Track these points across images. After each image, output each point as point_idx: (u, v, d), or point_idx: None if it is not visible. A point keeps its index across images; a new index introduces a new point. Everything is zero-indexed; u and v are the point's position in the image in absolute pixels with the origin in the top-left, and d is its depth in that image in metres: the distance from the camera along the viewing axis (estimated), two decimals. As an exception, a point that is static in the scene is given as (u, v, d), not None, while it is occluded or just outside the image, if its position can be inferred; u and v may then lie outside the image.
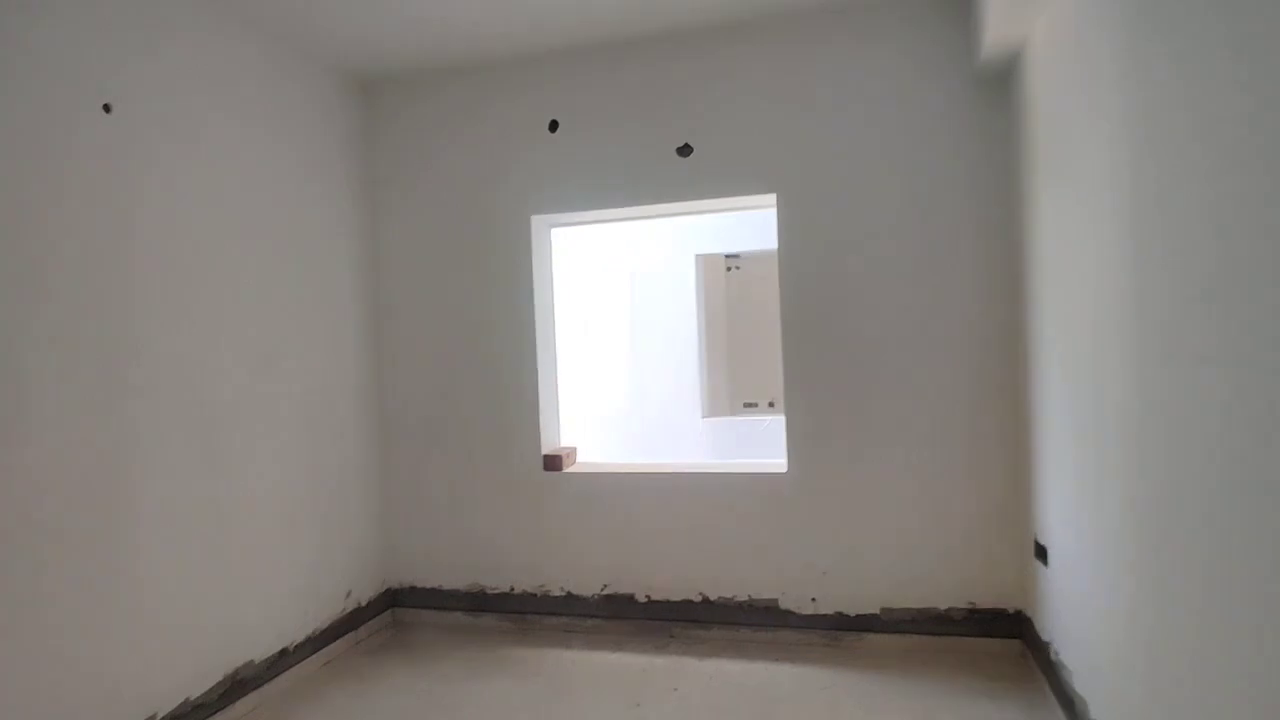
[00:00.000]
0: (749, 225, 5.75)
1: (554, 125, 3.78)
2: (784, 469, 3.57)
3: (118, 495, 2.61)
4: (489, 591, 3.93)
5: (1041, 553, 2.92)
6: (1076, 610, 2.52)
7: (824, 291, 3.49)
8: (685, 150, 3.61)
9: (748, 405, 7.22)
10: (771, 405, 6.95)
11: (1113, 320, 2.05)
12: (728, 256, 7.07)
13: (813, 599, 3.53)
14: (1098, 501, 2.25)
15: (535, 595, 3.87)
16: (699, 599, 3.67)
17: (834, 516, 3.50)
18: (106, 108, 2.60)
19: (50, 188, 2.42)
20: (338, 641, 3.64)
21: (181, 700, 2.81)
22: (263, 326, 3.29)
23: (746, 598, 3.61)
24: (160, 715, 2.72)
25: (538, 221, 3.89)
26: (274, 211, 3.37)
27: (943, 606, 3.37)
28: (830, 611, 3.51)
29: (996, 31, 2.81)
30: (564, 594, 3.84)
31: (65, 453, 2.44)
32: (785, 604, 3.56)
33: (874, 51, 3.38)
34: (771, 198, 3.56)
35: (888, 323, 3.41)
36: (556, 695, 3.17)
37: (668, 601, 3.71)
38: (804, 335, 3.51)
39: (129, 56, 2.70)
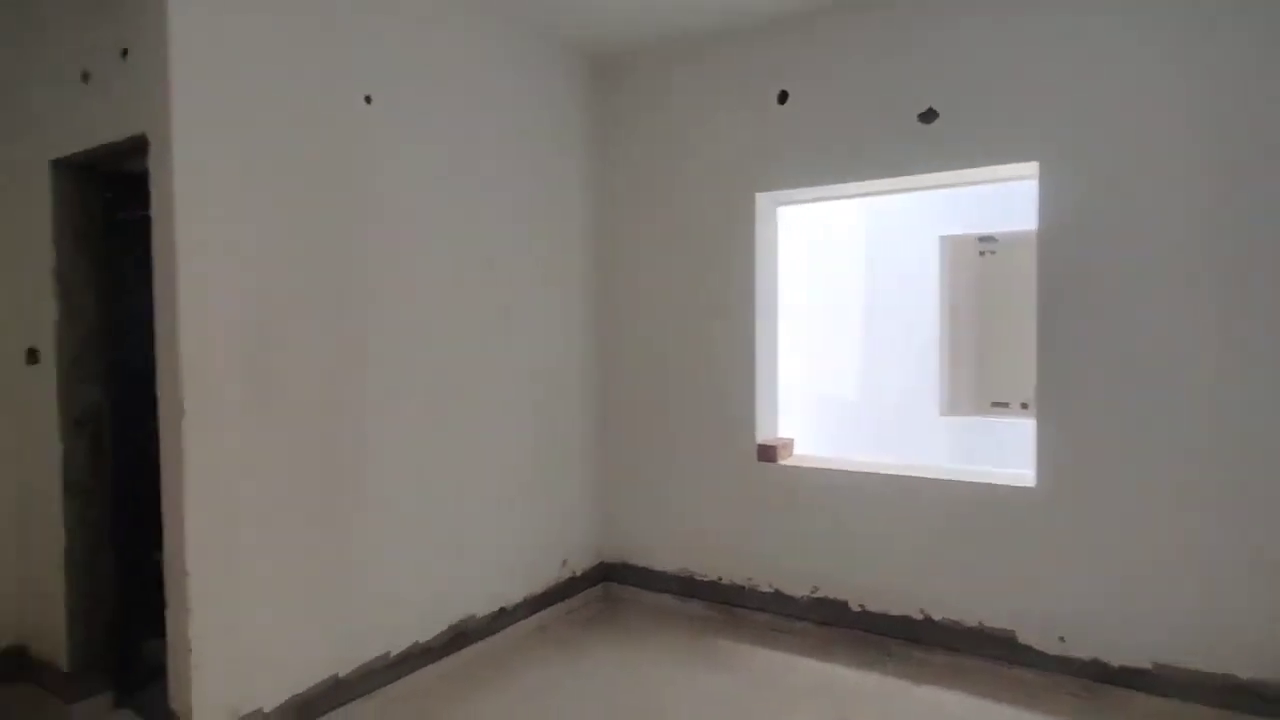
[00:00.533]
0: (1005, 203, 5.06)
1: (783, 96, 3.56)
2: (1032, 483, 3.08)
3: (363, 457, 2.90)
4: (697, 578, 3.87)
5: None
6: None
7: (1093, 278, 2.93)
8: (929, 116, 3.21)
9: (996, 405, 6.46)
10: (1025, 407, 6.15)
11: None
12: (981, 239, 6.33)
13: (1060, 638, 3.01)
14: None
15: (743, 588, 3.75)
16: (920, 616, 3.31)
17: (1093, 544, 2.95)
18: (367, 99, 2.86)
19: (316, 169, 2.72)
20: (552, 608, 3.80)
21: (412, 643, 3.08)
22: (497, 299, 3.48)
23: (977, 623, 3.18)
24: (393, 654, 3.00)
25: (763, 199, 3.70)
26: (509, 188, 3.54)
27: (1244, 676, 2.70)
28: (1084, 656, 2.97)
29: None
30: (772, 591, 3.66)
31: (319, 414, 2.74)
32: (1024, 638, 3.09)
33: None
34: (1031, 167, 3.05)
35: (1175, 318, 2.78)
36: (760, 697, 3.03)
37: (884, 615, 3.39)
38: (1065, 328, 2.98)
39: (387, 52, 2.95)
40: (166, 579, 2.42)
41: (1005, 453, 5.41)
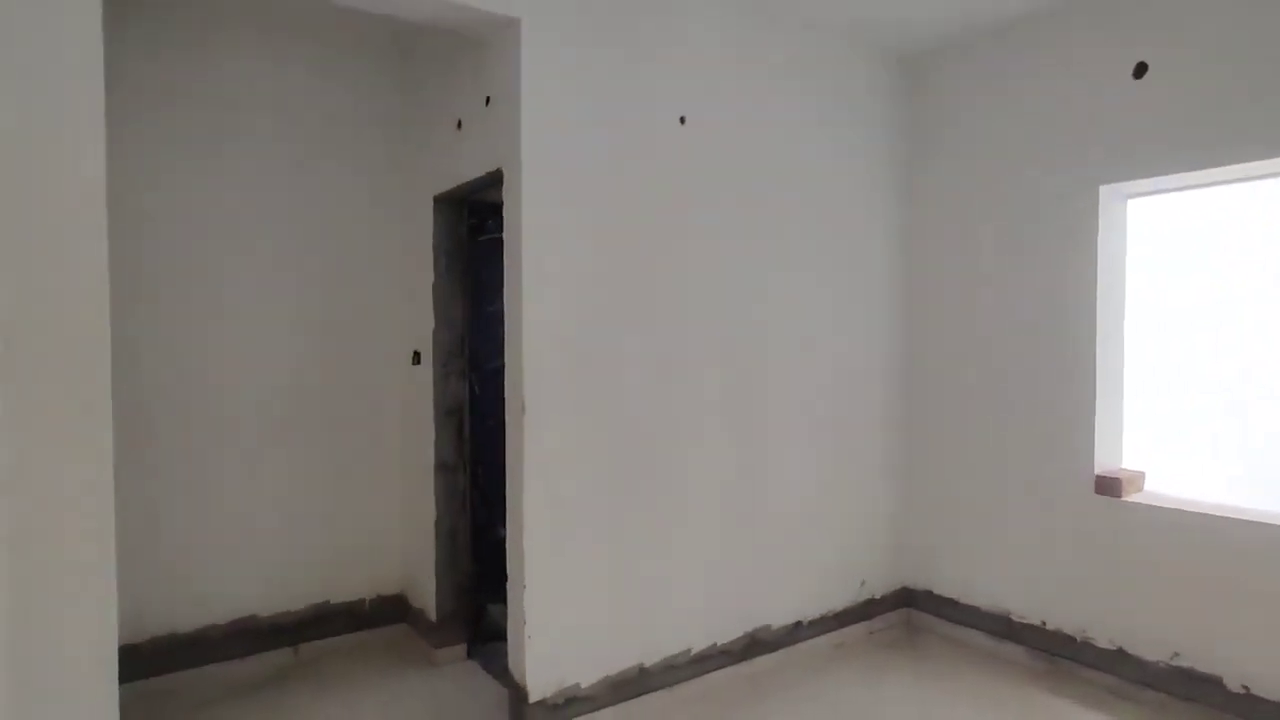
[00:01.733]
0: None
1: (1140, 69, 3.04)
2: None
3: (673, 460, 3.06)
4: (1015, 620, 3.46)
5: None
6: None
7: None
8: (1362, 73, 2.51)
9: None
10: None
11: None
12: None
13: None
14: None
15: (1074, 639, 3.26)
16: (1337, 713, 2.59)
17: None
18: (681, 119, 3.02)
19: (633, 191, 2.93)
20: (849, 628, 3.66)
21: (710, 643, 3.18)
22: (804, 311, 3.47)
23: None
24: (693, 651, 3.12)
25: (1107, 192, 3.20)
26: (816, 195, 3.50)
27: None
28: None
29: None
30: (1114, 648, 3.14)
31: (635, 422, 2.95)
32: None
33: None
34: None
35: None
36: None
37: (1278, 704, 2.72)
38: None
39: (697, 72, 3.09)
40: (509, 557, 2.79)
41: None
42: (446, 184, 3.36)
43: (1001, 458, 3.52)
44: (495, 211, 3.26)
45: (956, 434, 3.71)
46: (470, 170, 3.15)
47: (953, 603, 3.70)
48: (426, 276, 3.52)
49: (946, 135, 3.72)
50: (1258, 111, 2.74)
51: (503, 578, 2.90)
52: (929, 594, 3.82)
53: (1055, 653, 3.32)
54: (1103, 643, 3.17)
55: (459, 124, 3.24)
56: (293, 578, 3.46)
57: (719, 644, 3.21)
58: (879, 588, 3.81)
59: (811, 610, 3.53)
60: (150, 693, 3.06)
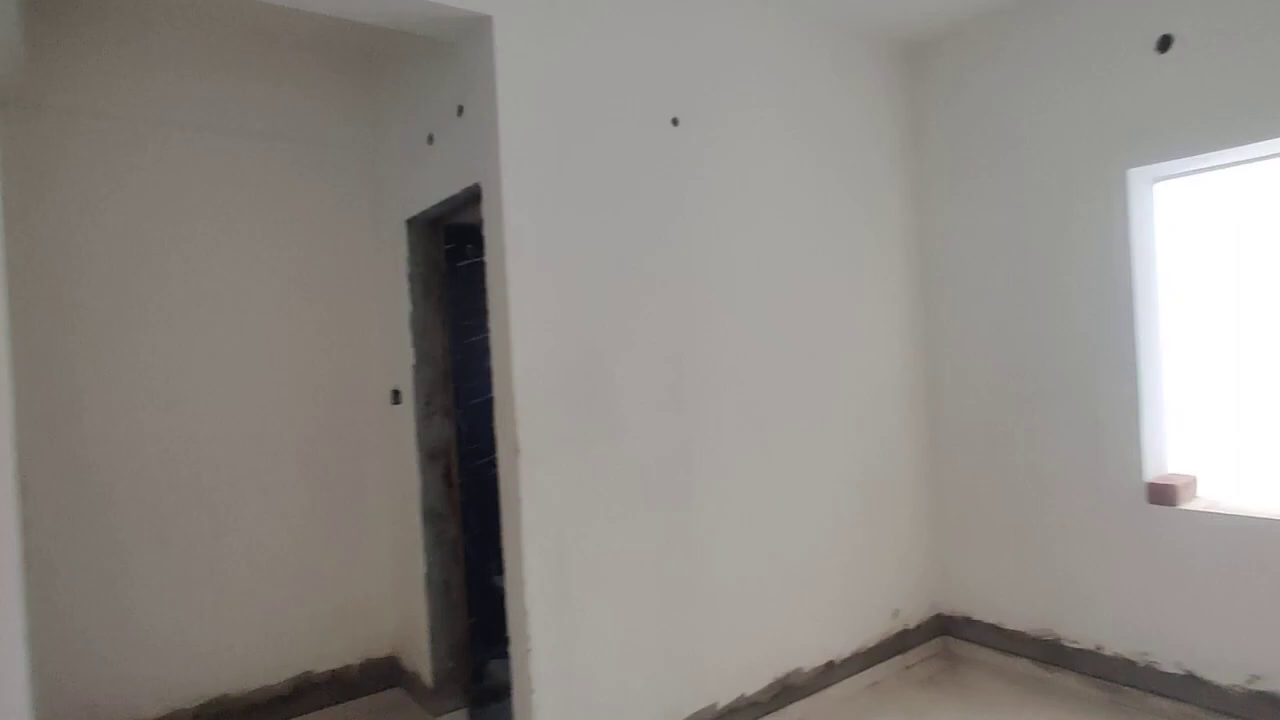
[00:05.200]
0: None
1: (1165, 42, 2.81)
2: None
3: (688, 496, 2.76)
4: (1066, 644, 3.17)
5: None
6: None
7: None
8: None
9: None
10: None
11: None
12: None
13: None
14: None
15: (1135, 664, 2.97)
16: None
17: None
18: (674, 121, 2.76)
19: (625, 199, 2.66)
20: (884, 663, 3.36)
21: (737, 695, 2.86)
22: (818, 325, 3.20)
23: None
24: (719, 705, 2.81)
25: (1136, 176, 2.96)
26: (820, 195, 3.24)
27: None
28: None
29: None
30: (1183, 673, 2.85)
31: (644, 454, 2.65)
32: None
33: None
34: None
35: None
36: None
37: (1377, 726, 2.44)
38: None
39: (690, 71, 2.83)
40: (510, 615, 2.47)
41: None
42: (419, 205, 3.09)
43: (1039, 469, 3.24)
44: (475, 234, 2.98)
45: (988, 446, 3.43)
46: (444, 188, 2.88)
47: (995, 628, 3.41)
48: (403, 308, 3.23)
49: (958, 126, 3.48)
50: (1302, 77, 2.51)
51: (502, 629, 2.57)
52: (967, 620, 3.52)
53: (1114, 679, 3.02)
54: (1168, 666, 2.89)
55: (430, 138, 2.97)
56: (269, 647, 3.12)
57: (747, 694, 2.90)
58: (914, 617, 3.51)
59: (844, 648, 3.23)
60: (110, 794, 2.71)
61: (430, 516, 3.20)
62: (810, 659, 3.11)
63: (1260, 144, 2.66)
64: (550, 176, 2.47)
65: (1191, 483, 2.99)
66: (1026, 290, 3.27)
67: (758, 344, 3.00)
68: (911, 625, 3.51)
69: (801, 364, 3.14)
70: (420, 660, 3.24)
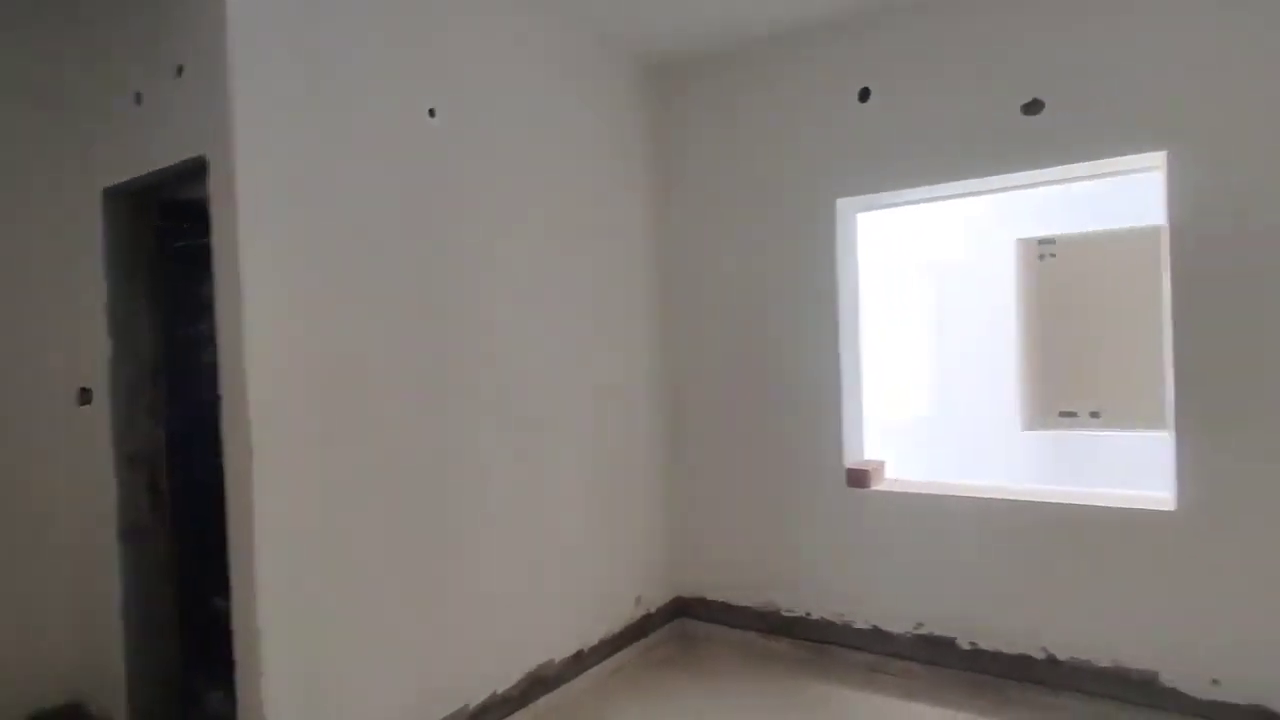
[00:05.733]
0: (1065, 205, 4.77)
1: (865, 94, 3.32)
2: (1172, 506, 2.77)
3: (442, 494, 2.69)
4: (783, 614, 3.59)
5: None
6: None
7: (1239, 274, 2.63)
8: (1034, 107, 2.94)
9: (1064, 415, 6.09)
10: (1095, 416, 5.79)
11: None
12: (1040, 241, 6.01)
13: (1214, 680, 2.69)
14: None
15: (835, 624, 3.46)
16: (1042, 656, 3.00)
17: (1251, 575, 2.63)
18: (431, 112, 2.68)
19: (380, 186, 2.53)
20: (628, 649, 3.54)
21: (490, 693, 2.84)
22: (561, 324, 3.26)
23: (1111, 663, 2.86)
24: (471, 706, 2.77)
25: (844, 205, 3.46)
26: (571, 200, 3.34)
27: None
28: (1242, 701, 2.64)
29: None
30: (870, 627, 3.37)
31: (395, 454, 2.53)
32: (1168, 680, 2.76)
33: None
34: (1158, 157, 2.77)
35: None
36: (870, 751, 2.74)
37: (999, 654, 3.08)
38: (1206, 333, 2.68)
39: (448, 63, 2.76)
40: (236, 638, 2.21)
41: (1092, 468, 5.07)
42: (121, 174, 2.66)
43: (765, 460, 3.64)
44: (196, 210, 2.63)
45: (721, 442, 3.77)
46: (157, 157, 2.51)
47: (726, 606, 3.76)
48: (99, 293, 2.76)
49: (704, 146, 3.78)
50: (969, 135, 3.10)
51: (226, 656, 2.30)
52: (703, 601, 3.84)
53: (822, 639, 3.49)
54: (860, 624, 3.40)
55: (138, 98, 2.57)
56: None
57: (499, 691, 2.89)
58: (654, 602, 3.75)
59: (592, 636, 3.35)
60: None
61: (130, 534, 2.77)
62: (561, 650, 3.18)
63: (943, 185, 3.24)
64: (294, 152, 2.27)
65: (881, 467, 3.55)
66: (757, 300, 3.65)
67: (512, 342, 3.01)
68: (653, 610, 3.74)
69: (553, 363, 3.20)
70: (114, 703, 2.78)
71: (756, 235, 3.63)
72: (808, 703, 3.12)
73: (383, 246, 2.51)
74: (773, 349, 3.61)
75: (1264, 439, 2.60)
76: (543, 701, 3.06)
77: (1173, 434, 2.78)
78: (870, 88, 3.30)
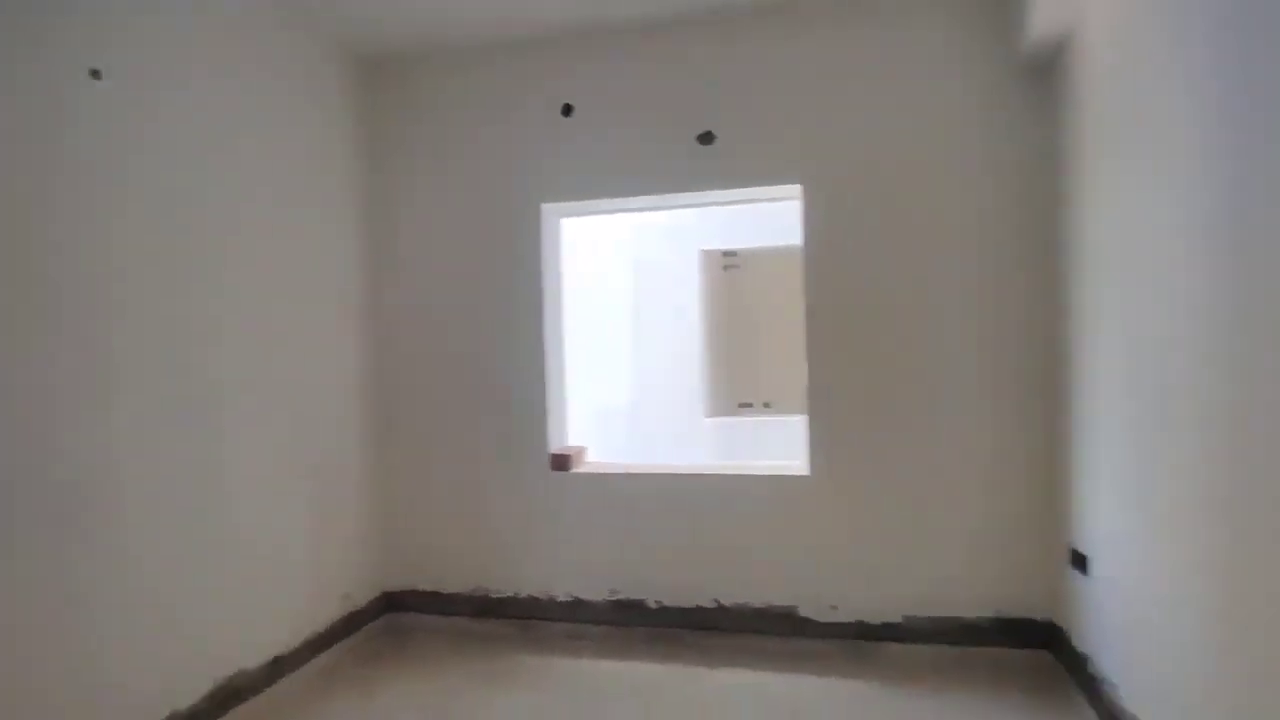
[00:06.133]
0: (750, 221, 5.60)
1: (568, 109, 3.61)
2: (806, 472, 3.43)
3: (106, 490, 2.42)
4: (493, 595, 3.76)
5: (1080, 561, 2.80)
6: (1128, 623, 2.40)
7: (850, 287, 3.35)
8: (708, 138, 3.45)
9: (743, 405, 7.09)
10: (767, 406, 6.82)
11: (1196, 318, 1.93)
12: (725, 254, 6.92)
13: (833, 606, 3.39)
14: (1162, 508, 2.13)
15: (541, 600, 3.71)
16: (712, 605, 3.53)
17: (856, 522, 3.37)
18: (95, 73, 2.40)
19: (42, 158, 2.22)
20: (334, 648, 3.45)
21: (169, 712, 2.62)
22: (256, 316, 3.09)
23: (763, 604, 3.47)
24: (147, 729, 2.53)
25: (548, 210, 3.72)
26: (269, 193, 3.17)
27: (969, 616, 3.25)
28: (851, 620, 3.38)
29: (1044, 15, 2.68)
30: (571, 599, 3.67)
31: (59, 453, 2.24)
32: (804, 611, 3.43)
33: (908, 38, 3.25)
34: (795, 189, 3.42)
35: (915, 320, 3.28)
36: (566, 708, 3.01)
37: (680, 608, 3.56)
38: (829, 333, 3.38)
39: (126, 25, 2.50)
40: None
41: (764, 448, 5.97)
42: None
43: (475, 452, 3.77)
44: None
45: (430, 434, 3.83)
46: None
47: (436, 595, 3.83)
48: None
49: (415, 144, 3.79)
50: (655, 157, 3.51)
51: None
52: (412, 592, 3.86)
53: (529, 616, 3.72)
54: (562, 596, 3.69)
55: None
56: None
57: (181, 709, 2.67)
58: (363, 597, 3.70)
59: (293, 639, 3.22)
60: None
61: None
62: (256, 658, 3.01)
63: (635, 199, 3.62)
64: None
65: (582, 452, 3.88)
66: (466, 297, 3.77)
67: (198, 336, 2.80)
68: (361, 605, 3.68)
69: (246, 359, 3.03)
70: None
71: (466, 235, 3.75)
72: (509, 671, 3.32)
73: (24, 217, 2.20)
74: (483, 345, 3.75)
75: (860, 420, 3.35)
76: (238, 710, 2.89)
77: (806, 417, 3.45)
78: (573, 104, 3.60)
